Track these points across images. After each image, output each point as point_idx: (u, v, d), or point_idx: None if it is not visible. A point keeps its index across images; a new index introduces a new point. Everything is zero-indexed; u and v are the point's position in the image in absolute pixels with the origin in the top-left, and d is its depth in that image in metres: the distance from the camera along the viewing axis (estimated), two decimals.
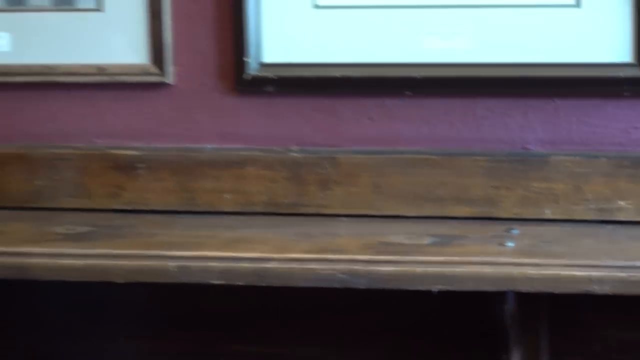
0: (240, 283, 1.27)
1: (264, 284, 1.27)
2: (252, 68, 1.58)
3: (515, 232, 1.39)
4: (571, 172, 1.45)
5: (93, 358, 1.73)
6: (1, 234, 1.48)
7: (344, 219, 1.52)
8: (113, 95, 1.67)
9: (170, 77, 1.62)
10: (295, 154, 1.58)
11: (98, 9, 1.64)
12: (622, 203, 1.44)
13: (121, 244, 1.39)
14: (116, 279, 1.30)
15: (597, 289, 1.15)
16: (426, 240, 1.36)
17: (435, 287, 1.19)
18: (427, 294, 1.22)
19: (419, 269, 1.22)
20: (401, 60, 1.54)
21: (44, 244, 1.40)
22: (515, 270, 1.17)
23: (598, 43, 1.48)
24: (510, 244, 1.29)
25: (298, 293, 1.38)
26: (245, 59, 1.57)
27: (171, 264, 1.30)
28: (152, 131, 1.67)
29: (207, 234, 1.46)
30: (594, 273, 1.15)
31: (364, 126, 1.59)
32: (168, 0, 1.59)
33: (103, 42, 1.66)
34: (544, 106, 1.49)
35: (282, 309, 1.60)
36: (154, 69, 1.63)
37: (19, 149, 1.67)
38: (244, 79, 1.59)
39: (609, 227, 1.42)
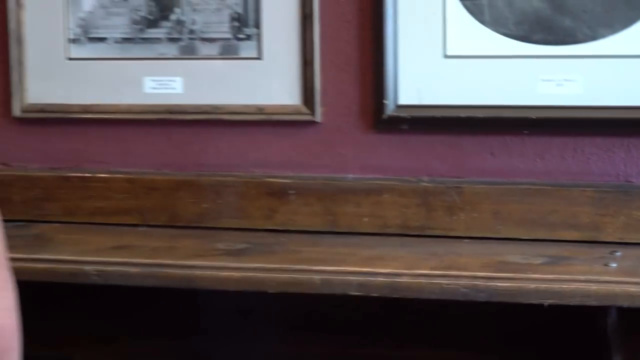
0: (375, 294, 1.38)
1: (396, 296, 1.37)
2: (389, 109, 1.71)
3: (618, 254, 1.49)
4: None
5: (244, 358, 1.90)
6: (172, 249, 1.64)
7: (467, 240, 1.63)
8: (269, 132, 1.82)
9: (318, 116, 1.77)
10: (425, 184, 1.70)
11: (258, 57, 1.80)
12: None
13: (273, 259, 1.53)
14: (268, 289, 1.43)
15: None
16: (538, 260, 1.45)
17: (546, 302, 1.28)
18: (538, 307, 1.33)
19: (532, 285, 1.31)
20: (519, 103, 1.65)
21: (207, 258, 1.56)
22: (617, 288, 1.26)
23: None
24: (613, 265, 1.39)
25: (424, 304, 1.49)
26: (384, 101, 1.70)
27: (315, 277, 1.42)
28: (301, 162, 1.81)
29: (347, 252, 1.57)
30: None
31: (486, 160, 1.69)
32: (318, 50, 1.75)
33: (262, 85, 1.82)
34: None
35: (411, 315, 1.70)
36: (304, 109, 1.77)
37: (189, 177, 1.82)
38: (382, 118, 1.71)
39: None
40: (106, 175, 1.89)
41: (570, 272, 1.36)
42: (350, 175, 1.78)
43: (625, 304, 1.27)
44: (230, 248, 1.64)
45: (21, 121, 1.97)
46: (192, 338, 1.87)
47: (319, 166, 1.81)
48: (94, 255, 1.60)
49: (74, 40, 1.90)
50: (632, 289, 1.25)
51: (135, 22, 1.87)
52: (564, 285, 1.29)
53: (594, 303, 1.28)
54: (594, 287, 1.27)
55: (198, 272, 1.50)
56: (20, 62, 1.93)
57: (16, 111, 1.94)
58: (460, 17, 1.68)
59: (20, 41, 1.91)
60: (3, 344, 1.18)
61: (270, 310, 1.76)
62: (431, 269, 1.41)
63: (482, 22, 1.65)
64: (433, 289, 1.36)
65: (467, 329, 1.71)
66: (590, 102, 1.61)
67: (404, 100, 1.71)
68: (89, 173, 1.89)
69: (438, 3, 1.69)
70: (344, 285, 1.42)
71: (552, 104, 1.64)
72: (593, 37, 1.59)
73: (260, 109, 1.81)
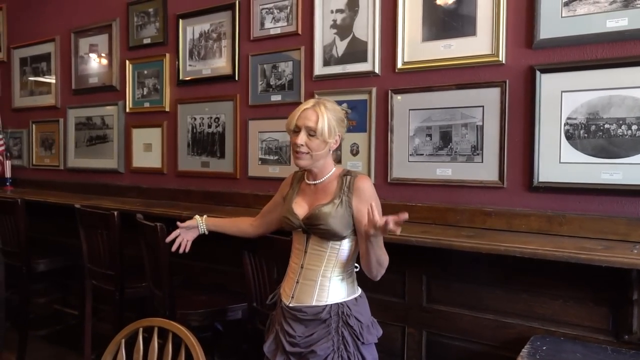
0: (526, 256, 1.71)
1: (535, 258, 1.68)
2: (535, 183, 2.13)
3: None
4: None
5: (475, 298, 2.12)
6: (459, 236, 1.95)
7: (567, 237, 1.97)
8: (486, 191, 2.26)
9: (504, 184, 2.20)
10: (550, 213, 2.07)
11: (482, 162, 2.25)
12: None
13: (486, 240, 1.85)
14: (482, 251, 1.79)
15: None
16: (598, 245, 1.76)
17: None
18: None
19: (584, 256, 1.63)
20: (592, 181, 1.97)
21: (458, 237, 1.92)
22: None
23: None
24: None
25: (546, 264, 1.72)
26: (533, 179, 2.13)
27: (501, 247, 1.76)
28: (497, 202, 2.23)
29: (514, 238, 1.87)
30: None
31: (574, 205, 2.03)
32: (506, 158, 2.16)
33: (482, 173, 2.25)
34: None
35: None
36: (499, 182, 2.21)
37: (456, 207, 2.30)
38: (532, 186, 2.14)
39: None
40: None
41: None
42: (518, 208, 2.16)
43: None
44: (469, 234, 2.02)
45: None
46: (458, 283, 2.16)
47: (504, 205, 2.21)
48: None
49: (411, 154, 2.41)
50: None
51: (433, 148, 2.36)
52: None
53: None
54: None
55: (456, 243, 1.87)
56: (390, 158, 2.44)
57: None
58: (567, 146, 2.06)
59: (391, 152, 2.43)
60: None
61: (485, 261, 1.96)
62: (550, 247, 1.76)
63: (576, 148, 2.04)
64: (552, 256, 1.70)
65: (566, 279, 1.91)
66: (626, 182, 1.94)
67: (542, 179, 2.12)
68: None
69: (557, 139, 2.07)
70: (513, 251, 1.78)
71: (607, 182, 1.98)
72: (627, 155, 1.94)
73: (481, 182, 2.25)
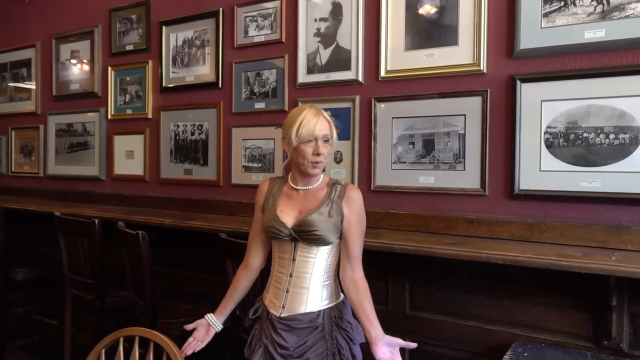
0: (508, 264, 1.72)
1: (517, 265, 1.70)
2: (516, 190, 2.13)
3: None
4: None
5: (463, 305, 2.16)
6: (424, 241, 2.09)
7: (547, 244, 1.97)
8: (467, 198, 2.25)
9: (486, 192, 2.21)
10: (530, 220, 2.06)
11: (463, 170, 2.26)
12: None
13: (469, 247, 1.87)
14: (465, 259, 1.81)
15: None
16: (573, 252, 1.76)
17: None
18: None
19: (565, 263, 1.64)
20: (572, 189, 1.98)
21: (442, 245, 1.92)
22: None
23: None
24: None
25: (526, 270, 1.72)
26: (514, 187, 2.12)
27: (483, 254, 1.78)
28: (479, 210, 2.22)
29: (496, 245, 1.88)
30: None
31: (554, 211, 2.03)
32: (487, 166, 2.16)
33: (464, 181, 2.25)
34: None
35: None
36: (481, 190, 2.21)
37: (436, 214, 2.35)
38: (513, 194, 2.13)
39: None
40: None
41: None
42: (499, 216, 2.17)
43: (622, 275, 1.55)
44: (452, 241, 2.01)
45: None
46: (442, 290, 2.18)
47: (486, 212, 2.21)
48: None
49: (394, 162, 2.44)
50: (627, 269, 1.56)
51: (416, 156, 2.37)
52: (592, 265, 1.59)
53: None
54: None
55: (438, 251, 1.88)
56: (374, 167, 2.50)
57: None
58: (547, 154, 2.07)
59: (374, 160, 2.44)
60: (364, 290, 1.68)
61: (467, 268, 1.97)
62: (531, 254, 1.76)
63: (556, 156, 2.05)
64: (533, 262, 1.71)
65: (548, 284, 1.94)
66: (604, 190, 1.96)
67: (522, 187, 2.13)
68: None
69: (537, 147, 2.08)
70: (495, 259, 1.80)
71: (586, 190, 1.99)
72: (605, 164, 1.96)
73: (463, 189, 2.26)
